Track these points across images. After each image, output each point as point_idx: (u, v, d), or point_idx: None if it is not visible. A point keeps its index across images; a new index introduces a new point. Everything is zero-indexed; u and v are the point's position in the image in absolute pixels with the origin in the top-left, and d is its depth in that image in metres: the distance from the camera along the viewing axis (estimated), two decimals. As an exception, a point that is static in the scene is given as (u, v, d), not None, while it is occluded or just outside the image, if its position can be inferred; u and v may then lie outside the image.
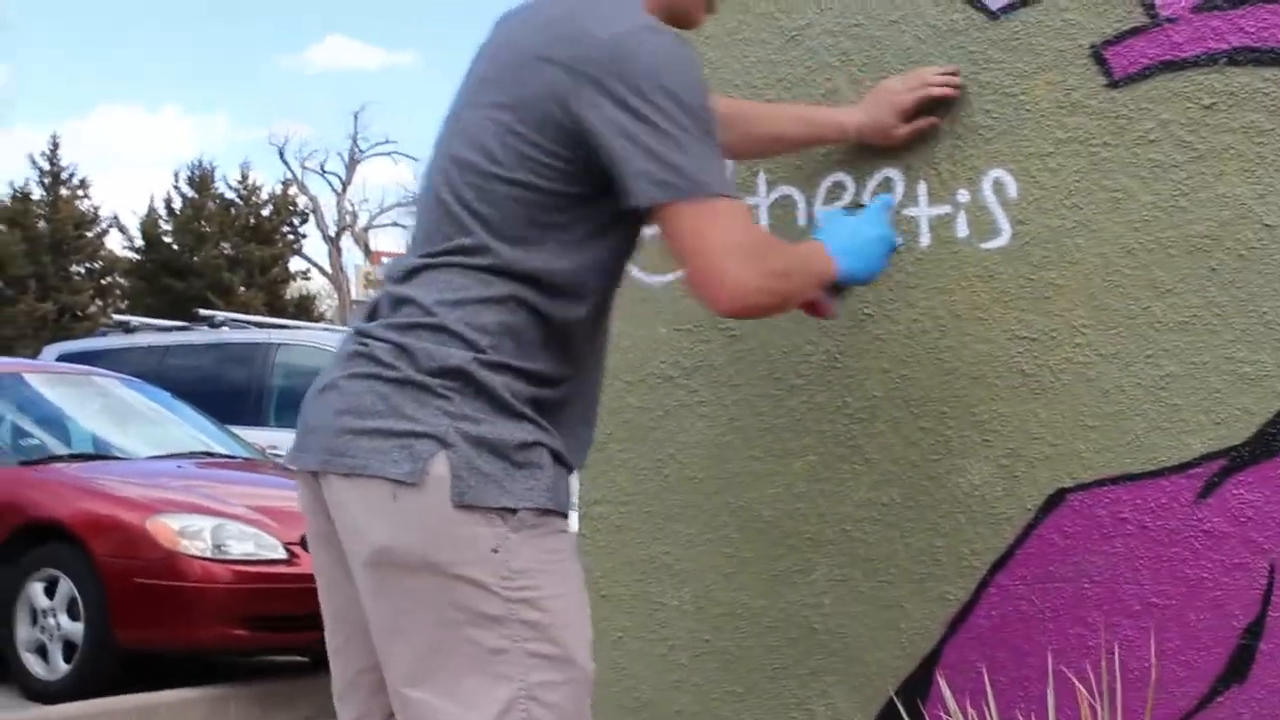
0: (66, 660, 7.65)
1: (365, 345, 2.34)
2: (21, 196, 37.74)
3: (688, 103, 2.25)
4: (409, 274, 2.36)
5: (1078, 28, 2.88)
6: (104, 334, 13.90)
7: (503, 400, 2.26)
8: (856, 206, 2.80)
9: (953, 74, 2.97)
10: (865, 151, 3.06)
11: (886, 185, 3.05)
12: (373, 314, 2.41)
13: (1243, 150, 2.74)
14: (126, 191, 79.36)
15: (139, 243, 40.20)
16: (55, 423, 9.15)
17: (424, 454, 2.22)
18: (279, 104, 74.59)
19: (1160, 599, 2.80)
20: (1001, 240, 2.94)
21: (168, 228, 40.41)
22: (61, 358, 12.68)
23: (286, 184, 44.14)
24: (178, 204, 40.48)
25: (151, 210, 40.50)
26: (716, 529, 3.23)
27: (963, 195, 2.98)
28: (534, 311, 2.31)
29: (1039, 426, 2.90)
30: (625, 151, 2.24)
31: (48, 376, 9.66)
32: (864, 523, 3.08)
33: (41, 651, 7.74)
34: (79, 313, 36.46)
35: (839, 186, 3.10)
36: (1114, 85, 2.85)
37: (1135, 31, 2.83)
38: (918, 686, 3.00)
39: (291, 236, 42.94)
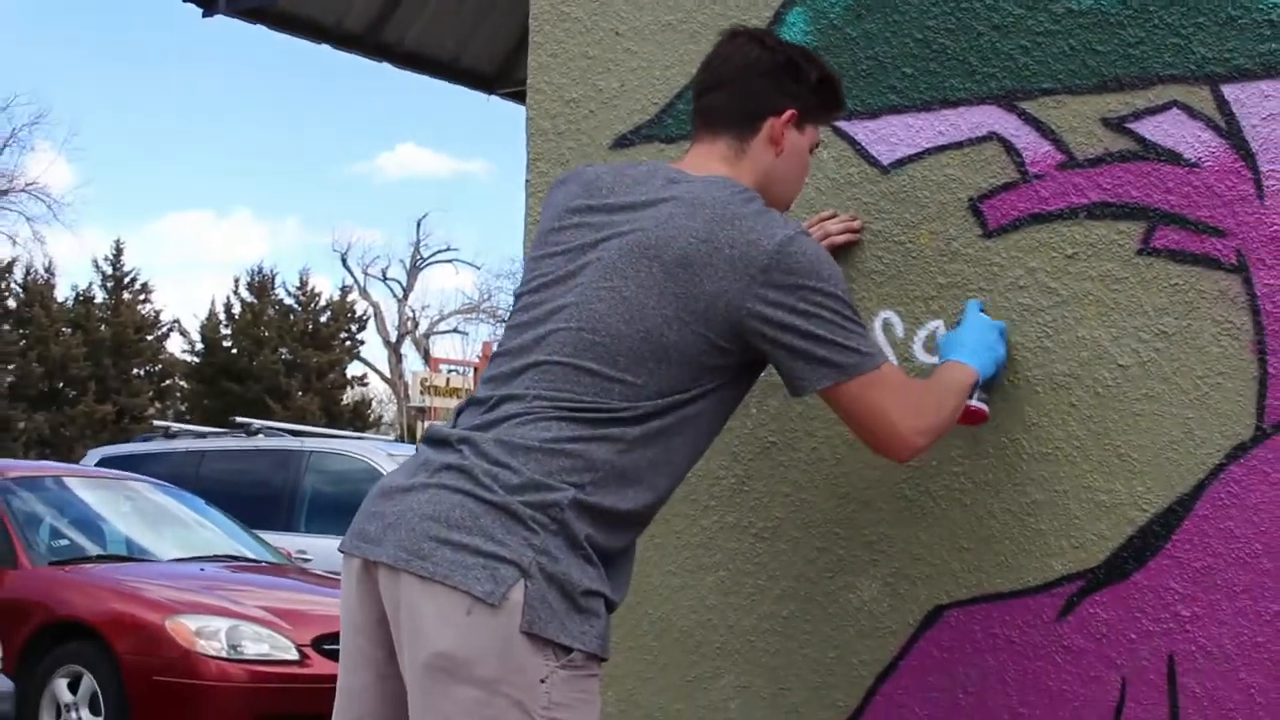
0: (87, 754, 7.95)
1: (464, 459, 2.56)
2: (84, 300, 38.47)
3: (841, 294, 2.65)
4: (525, 413, 2.59)
5: (958, 182, 3.16)
6: (146, 439, 14.32)
7: (580, 546, 2.52)
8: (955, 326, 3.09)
9: (853, 221, 3.25)
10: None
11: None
12: (461, 413, 2.69)
13: (1100, 296, 3.00)
14: (196, 295, 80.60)
15: (199, 346, 40.86)
16: (88, 525, 9.51)
17: (506, 579, 2.45)
18: (349, 209, 75.71)
19: (1026, 709, 3.03)
20: (890, 375, 3.20)
21: (227, 332, 41.07)
22: (103, 461, 13.09)
23: (345, 290, 44.80)
24: (237, 309, 41.16)
25: (212, 314, 41.21)
26: (638, 638, 3.48)
27: (856, 333, 3.24)
28: (649, 457, 2.61)
29: (920, 548, 3.16)
30: (796, 345, 2.62)
31: (85, 480, 10.03)
32: (767, 634, 3.32)
33: (63, 745, 8.05)
34: (137, 414, 37.03)
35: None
36: (988, 235, 3.12)
37: (1008, 186, 3.11)
38: (813, 787, 3.24)
39: (349, 343, 43.52)
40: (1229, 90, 2.91)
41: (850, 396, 2.67)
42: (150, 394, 39.53)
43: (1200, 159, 2.93)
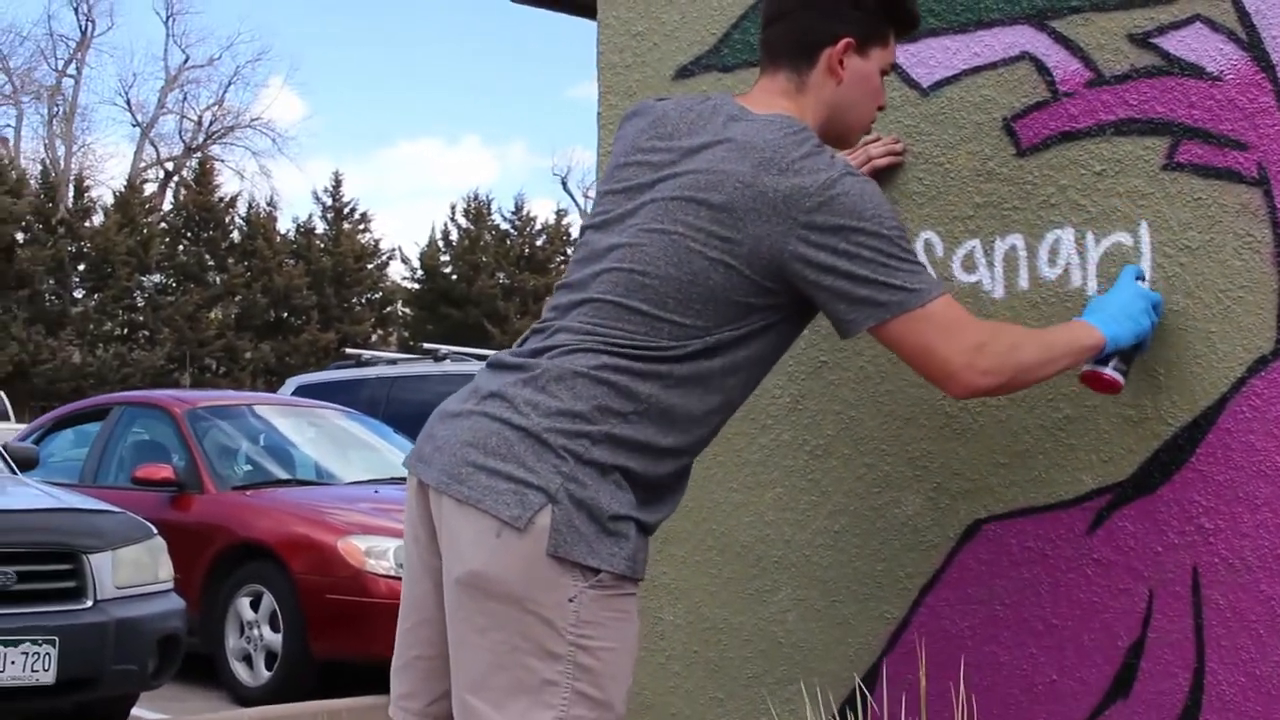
0: (268, 668, 8.35)
1: (509, 387, 2.68)
2: (305, 231, 39.51)
3: (887, 232, 2.63)
4: (576, 345, 2.68)
5: (993, 102, 3.20)
6: (340, 367, 14.76)
7: (610, 473, 2.63)
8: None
9: (895, 144, 3.31)
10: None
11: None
12: (527, 338, 2.81)
13: (1126, 212, 3.02)
14: (422, 222, 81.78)
15: (419, 273, 41.70)
16: (270, 451, 9.91)
17: (534, 504, 2.58)
18: (575, 132, 75.92)
19: (1059, 621, 3.09)
20: (930, 294, 3.26)
21: (446, 258, 41.81)
22: (300, 389, 13.57)
23: (560, 214, 45.25)
24: (455, 235, 41.88)
25: (432, 241, 41.98)
26: (703, 553, 3.61)
27: (899, 254, 3.30)
28: (694, 395, 2.69)
29: (960, 463, 3.22)
30: (838, 286, 2.63)
31: (271, 408, 10.43)
32: (820, 549, 3.42)
33: (247, 660, 8.46)
34: (360, 341, 37.99)
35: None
36: (1022, 154, 3.16)
37: (1039, 105, 3.14)
38: (863, 695, 3.33)
39: (565, 266, 43.92)
40: (1250, 2, 2.90)
41: (897, 334, 2.67)
42: (372, 321, 40.49)
43: (1222, 72, 2.92)
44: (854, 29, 2.84)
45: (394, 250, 45.81)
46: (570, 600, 2.58)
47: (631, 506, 2.64)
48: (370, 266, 41.15)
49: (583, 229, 2.90)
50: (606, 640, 2.62)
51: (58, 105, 45.02)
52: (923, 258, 3.27)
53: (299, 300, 37.58)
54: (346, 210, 41.12)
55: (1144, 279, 2.99)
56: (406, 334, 40.80)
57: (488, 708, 2.61)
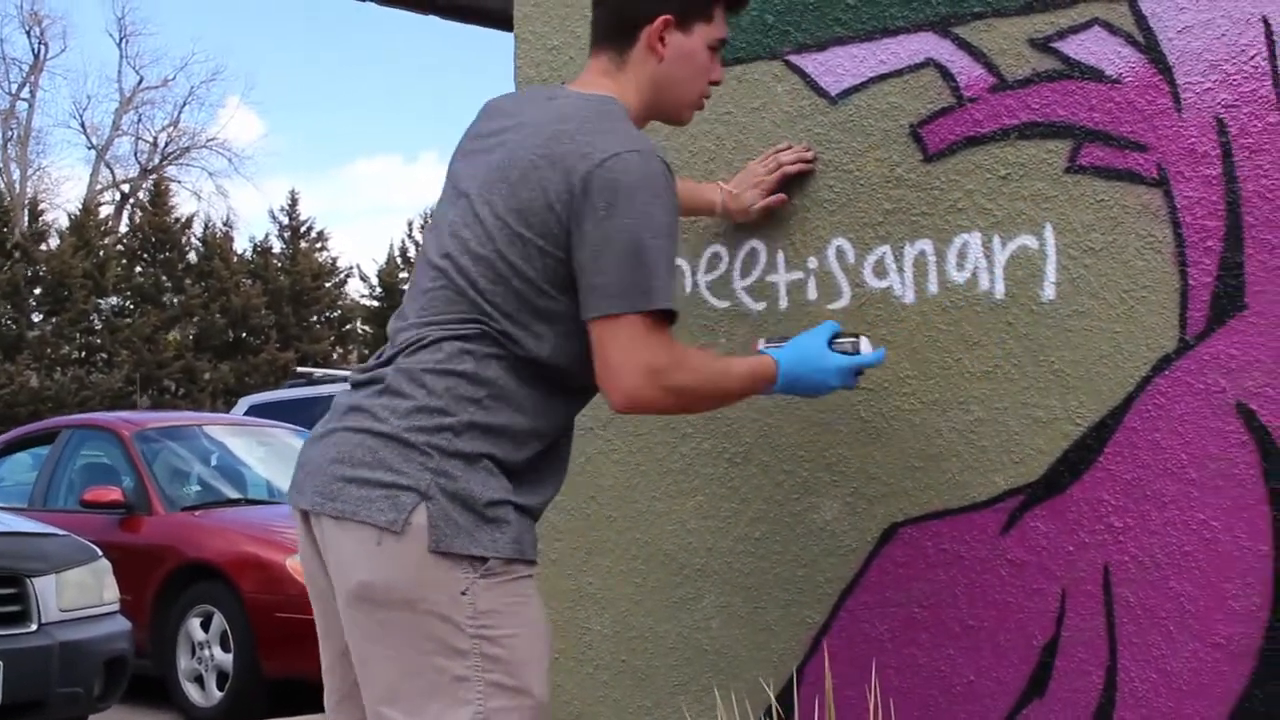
0: (220, 688, 8.33)
1: (366, 398, 2.71)
2: (262, 251, 39.37)
3: (648, 222, 2.60)
4: (417, 340, 2.70)
5: (899, 109, 3.23)
6: (292, 385, 14.74)
7: (478, 460, 2.63)
8: (854, 336, 2.94)
9: (806, 151, 3.33)
10: (736, 226, 3.43)
11: (753, 255, 3.42)
12: (377, 361, 2.80)
13: (1031, 215, 3.05)
14: (382, 240, 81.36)
15: (378, 291, 41.57)
16: (219, 471, 9.88)
17: (406, 505, 2.59)
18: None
19: (976, 622, 3.11)
20: (843, 301, 3.29)
21: (404, 275, 41.66)
22: (252, 408, 13.54)
23: (518, 228, 45.09)
24: (412, 252, 41.75)
25: (391, 259, 41.86)
26: (628, 561, 3.62)
27: (812, 262, 3.33)
28: (534, 374, 2.70)
29: (875, 467, 3.24)
30: (585, 264, 2.62)
31: (220, 428, 10.41)
32: (742, 555, 3.44)
33: (199, 680, 8.44)
34: (320, 360, 37.85)
35: (716, 257, 3.48)
36: (928, 160, 3.18)
37: (944, 111, 3.17)
38: (786, 700, 3.35)
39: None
40: (1146, 4, 2.94)
41: (610, 330, 2.64)
42: (331, 339, 40.33)
43: (1121, 75, 2.96)
44: (672, 6, 2.83)
45: (352, 268, 45.70)
46: (463, 593, 2.58)
47: (506, 491, 2.65)
48: (328, 285, 40.97)
49: (424, 231, 2.91)
50: (508, 627, 2.62)
51: (11, 129, 44.76)
52: (834, 265, 3.30)
53: (257, 320, 37.38)
54: (303, 229, 40.98)
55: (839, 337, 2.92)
56: (366, 351, 40.64)
57: (405, 716, 2.62)
